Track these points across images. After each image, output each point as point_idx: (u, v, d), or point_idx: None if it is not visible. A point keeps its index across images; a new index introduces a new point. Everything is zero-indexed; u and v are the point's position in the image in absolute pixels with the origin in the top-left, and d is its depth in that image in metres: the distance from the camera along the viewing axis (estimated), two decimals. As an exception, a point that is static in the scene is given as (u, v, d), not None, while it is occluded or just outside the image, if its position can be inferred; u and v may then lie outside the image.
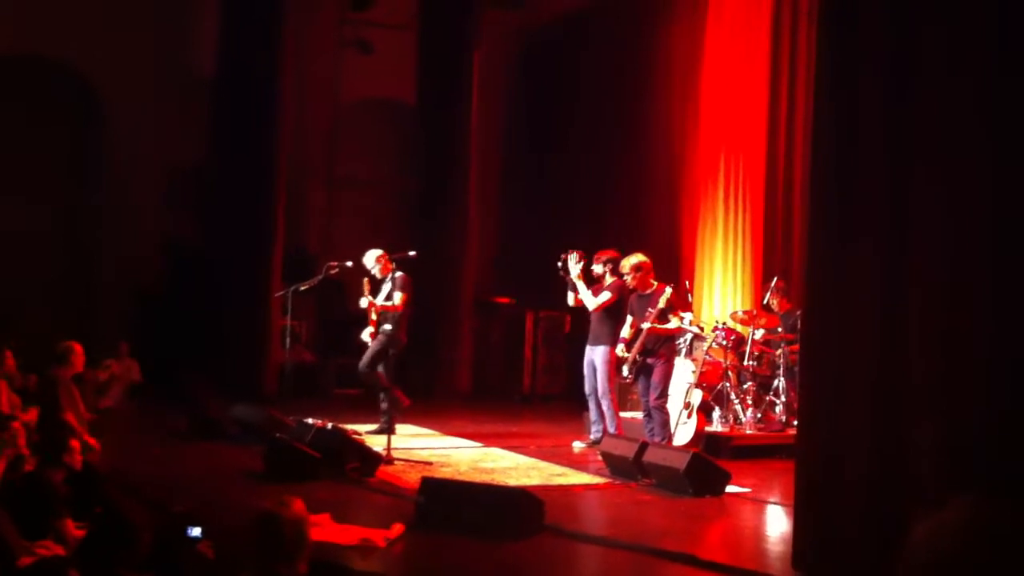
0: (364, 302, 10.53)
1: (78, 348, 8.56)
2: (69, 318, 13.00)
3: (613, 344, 9.81)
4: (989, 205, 4.63)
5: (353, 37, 15.67)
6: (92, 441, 8.23)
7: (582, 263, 10.05)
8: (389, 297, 10.49)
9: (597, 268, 10.12)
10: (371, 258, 10.76)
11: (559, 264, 10.10)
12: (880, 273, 4.96)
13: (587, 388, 10.10)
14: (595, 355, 9.97)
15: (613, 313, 9.92)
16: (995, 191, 4.61)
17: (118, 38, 14.45)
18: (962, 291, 4.68)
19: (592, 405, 10.11)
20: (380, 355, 10.49)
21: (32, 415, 8.30)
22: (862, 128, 5.05)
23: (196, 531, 4.42)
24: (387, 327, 10.46)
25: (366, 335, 10.58)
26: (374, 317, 10.48)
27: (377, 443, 9.27)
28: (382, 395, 10.49)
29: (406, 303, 10.50)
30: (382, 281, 10.66)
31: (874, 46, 5.00)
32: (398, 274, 10.60)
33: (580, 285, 10.03)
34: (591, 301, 9.96)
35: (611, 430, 9.76)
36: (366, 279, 10.69)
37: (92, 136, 15.02)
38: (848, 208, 5.11)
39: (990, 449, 4.26)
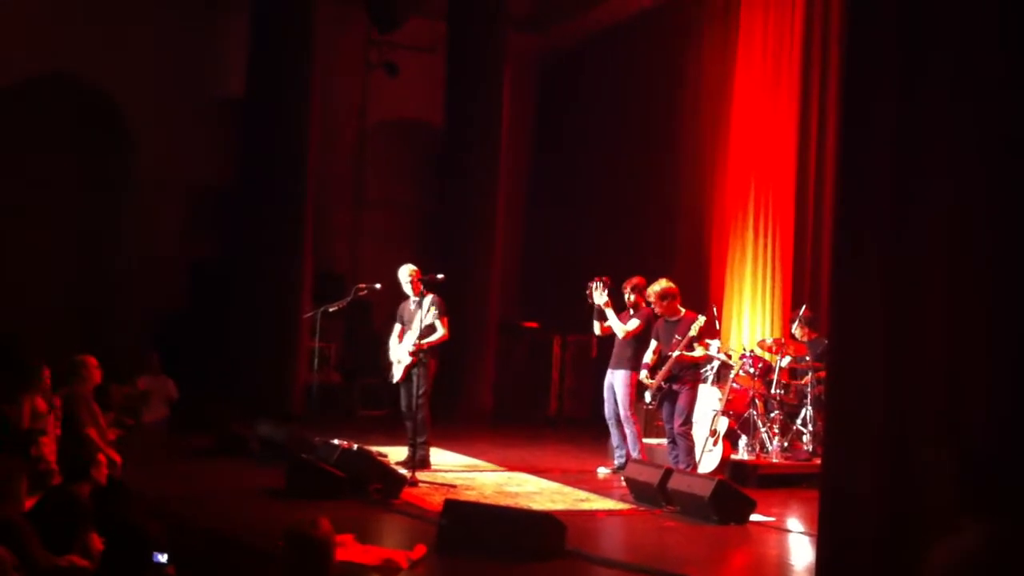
0: (404, 355, 9.97)
1: (91, 361, 8.60)
2: (95, 337, 13.09)
3: (634, 368, 9.79)
4: (1000, 231, 4.64)
5: (380, 59, 15.79)
6: (114, 455, 8.28)
7: (607, 291, 10.01)
8: (431, 327, 9.90)
9: (628, 297, 10.11)
10: (405, 273, 10.08)
11: (586, 293, 10.09)
12: (889, 297, 4.97)
13: (607, 412, 10.06)
14: (615, 378, 9.94)
15: (639, 338, 9.90)
16: (1006, 215, 4.63)
17: (146, 59, 14.59)
18: (974, 312, 4.68)
19: (614, 430, 10.07)
20: (429, 394, 9.95)
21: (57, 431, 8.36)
22: (870, 158, 5.08)
23: (163, 557, 4.24)
24: (421, 355, 9.83)
25: (396, 357, 10.01)
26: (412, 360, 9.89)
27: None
28: (419, 436, 9.87)
29: (448, 327, 9.99)
30: (409, 303, 10.14)
31: (885, 64, 5.03)
32: (430, 297, 9.99)
33: (609, 312, 10.00)
34: (620, 328, 9.93)
35: (634, 454, 9.73)
36: (399, 327, 10.11)
37: (119, 156, 15.14)
38: (858, 233, 5.14)
39: (1010, 474, 4.24)
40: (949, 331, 4.76)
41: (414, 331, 9.94)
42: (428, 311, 9.96)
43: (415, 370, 9.88)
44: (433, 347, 9.92)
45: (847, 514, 5.13)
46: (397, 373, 10.03)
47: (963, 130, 4.77)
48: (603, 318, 10.08)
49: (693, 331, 9.43)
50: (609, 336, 10.21)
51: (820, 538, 5.42)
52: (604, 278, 10.11)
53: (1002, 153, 4.67)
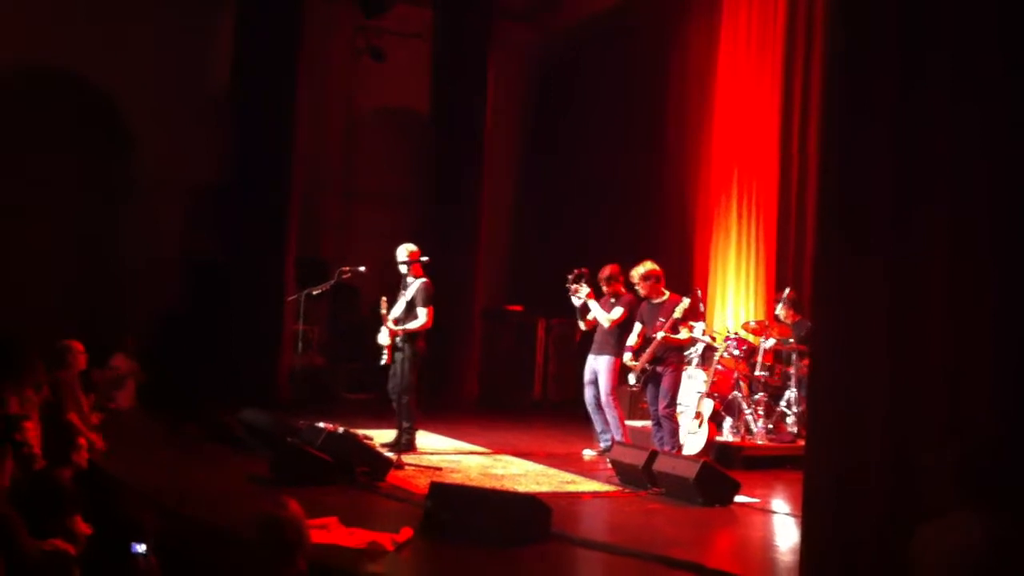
0: (385, 337, 9.79)
1: (77, 346, 8.57)
2: (88, 331, 13.05)
3: (617, 354, 9.79)
4: (1002, 226, 4.64)
5: (366, 44, 15.74)
6: (95, 438, 8.25)
7: (586, 280, 10.00)
8: (411, 308, 9.81)
9: (605, 288, 10.10)
10: (403, 253, 9.97)
11: (566, 287, 10.07)
12: (889, 286, 4.96)
13: (587, 398, 10.03)
14: (599, 364, 9.93)
15: (622, 325, 9.90)
16: (1006, 210, 4.64)
17: (146, 58, 14.50)
18: (971, 308, 4.69)
19: (595, 416, 10.06)
20: (414, 379, 9.86)
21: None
22: (868, 154, 5.08)
23: (141, 547, 4.17)
24: (399, 340, 9.77)
25: (384, 338, 9.84)
26: (390, 342, 9.80)
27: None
28: (406, 420, 9.88)
29: (432, 316, 9.84)
30: (400, 285, 10.03)
31: (882, 61, 5.02)
32: (421, 281, 9.94)
33: (592, 304, 9.99)
34: (604, 318, 9.91)
35: (618, 438, 9.75)
36: (384, 299, 9.87)
37: (119, 155, 15.05)
38: (856, 223, 5.13)
39: (1000, 463, 4.25)
40: (950, 331, 4.75)
41: (396, 312, 9.90)
42: (412, 295, 9.88)
43: (399, 354, 9.84)
44: (414, 333, 9.82)
45: (845, 513, 5.12)
46: (384, 355, 9.95)
47: (964, 129, 4.75)
48: (586, 312, 10.08)
49: (677, 313, 9.44)
50: (596, 326, 10.18)
51: (812, 530, 5.41)
52: (583, 269, 10.10)
53: (1003, 153, 4.67)
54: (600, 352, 9.96)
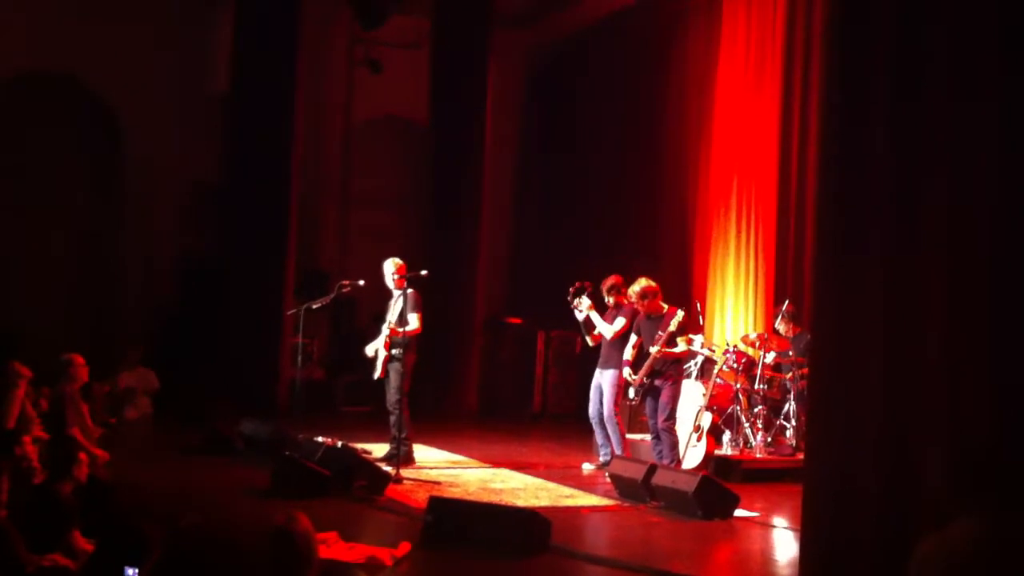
0: (372, 349, 9.94)
1: (78, 360, 8.59)
2: (86, 335, 13.08)
3: (622, 368, 9.80)
4: (999, 229, 4.65)
5: (364, 56, 15.79)
6: (99, 452, 8.26)
7: (588, 293, 10.00)
8: (402, 317, 9.84)
9: (608, 299, 10.11)
10: (390, 267, 10.04)
11: (568, 298, 10.07)
12: (885, 292, 4.97)
13: (591, 411, 10.04)
14: (604, 378, 9.94)
15: (626, 337, 9.90)
16: (1005, 214, 4.64)
17: (137, 58, 14.56)
18: (970, 309, 4.70)
19: (598, 429, 10.07)
20: (406, 389, 9.85)
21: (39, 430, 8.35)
22: (867, 154, 5.08)
23: (132, 572, 4.09)
24: (396, 351, 9.83)
25: (373, 350, 9.96)
26: (386, 354, 9.86)
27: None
28: (400, 432, 9.77)
29: (422, 322, 9.92)
30: (392, 299, 10.09)
31: (881, 60, 5.04)
32: (409, 291, 9.94)
33: (594, 317, 9.99)
34: (607, 330, 9.91)
35: (619, 452, 9.75)
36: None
37: (111, 155, 15.10)
38: (854, 229, 5.14)
39: (1000, 469, 4.25)
40: (949, 332, 4.76)
41: (389, 323, 9.93)
42: (403, 304, 9.90)
43: (392, 365, 9.87)
44: (407, 340, 9.83)
45: (843, 526, 5.13)
46: (376, 368, 9.99)
47: (962, 128, 4.78)
48: (591, 327, 10.07)
49: (672, 326, 9.44)
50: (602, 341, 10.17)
51: (810, 540, 5.42)
52: (585, 283, 10.10)
53: (1001, 152, 4.69)
54: (605, 366, 9.97)
